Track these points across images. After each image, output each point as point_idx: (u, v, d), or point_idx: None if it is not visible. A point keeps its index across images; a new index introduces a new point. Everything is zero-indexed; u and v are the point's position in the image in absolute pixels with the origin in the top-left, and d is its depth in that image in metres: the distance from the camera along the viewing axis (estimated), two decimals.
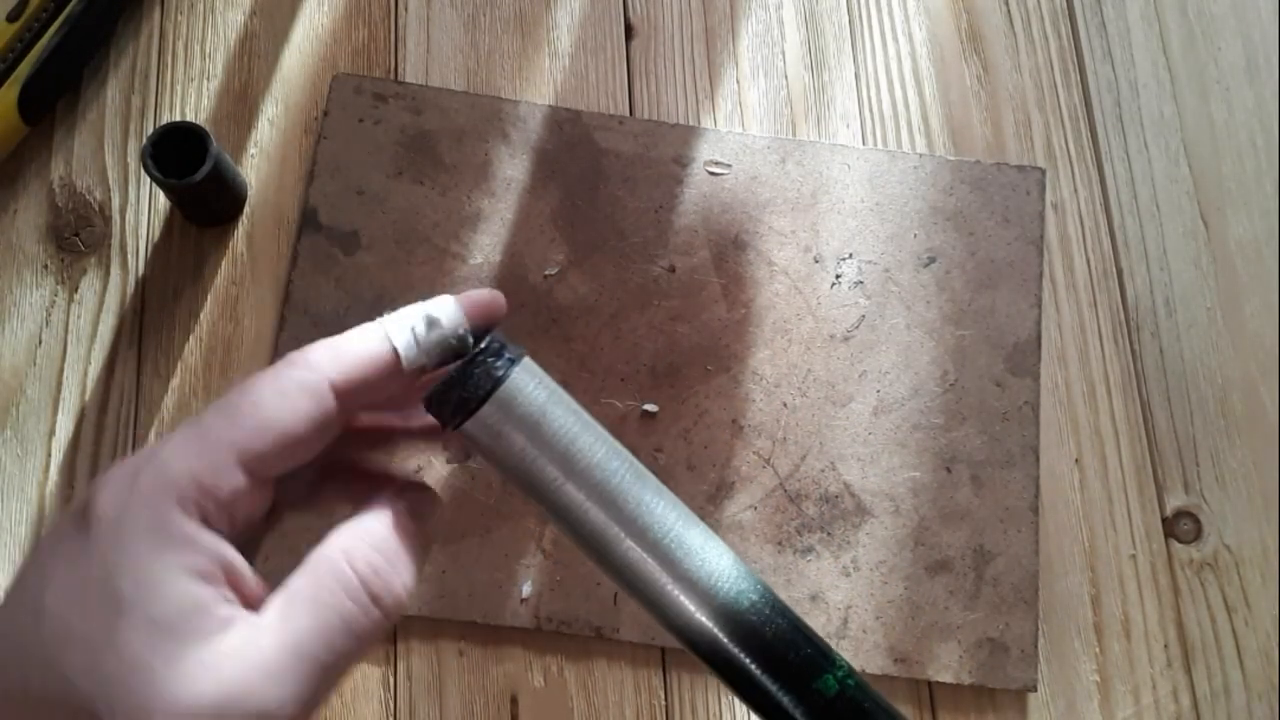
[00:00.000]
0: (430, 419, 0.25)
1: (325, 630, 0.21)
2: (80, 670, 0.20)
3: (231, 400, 0.22)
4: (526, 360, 0.25)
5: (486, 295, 0.26)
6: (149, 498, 0.21)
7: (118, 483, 0.21)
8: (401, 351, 0.24)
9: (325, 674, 0.21)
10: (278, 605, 0.22)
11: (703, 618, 0.25)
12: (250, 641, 0.21)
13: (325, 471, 0.26)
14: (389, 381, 0.24)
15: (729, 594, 0.25)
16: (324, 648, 0.21)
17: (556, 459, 0.24)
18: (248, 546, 0.24)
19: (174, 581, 0.20)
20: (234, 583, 0.22)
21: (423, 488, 0.26)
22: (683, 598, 0.25)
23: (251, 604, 0.22)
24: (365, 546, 0.23)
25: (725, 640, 0.25)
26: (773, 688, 0.25)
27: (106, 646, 0.20)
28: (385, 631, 0.23)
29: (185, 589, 0.20)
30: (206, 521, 0.21)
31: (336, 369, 0.23)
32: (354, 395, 0.23)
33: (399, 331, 0.24)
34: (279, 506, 0.26)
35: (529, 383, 0.24)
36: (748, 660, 0.25)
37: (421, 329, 0.24)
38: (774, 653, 0.25)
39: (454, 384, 0.24)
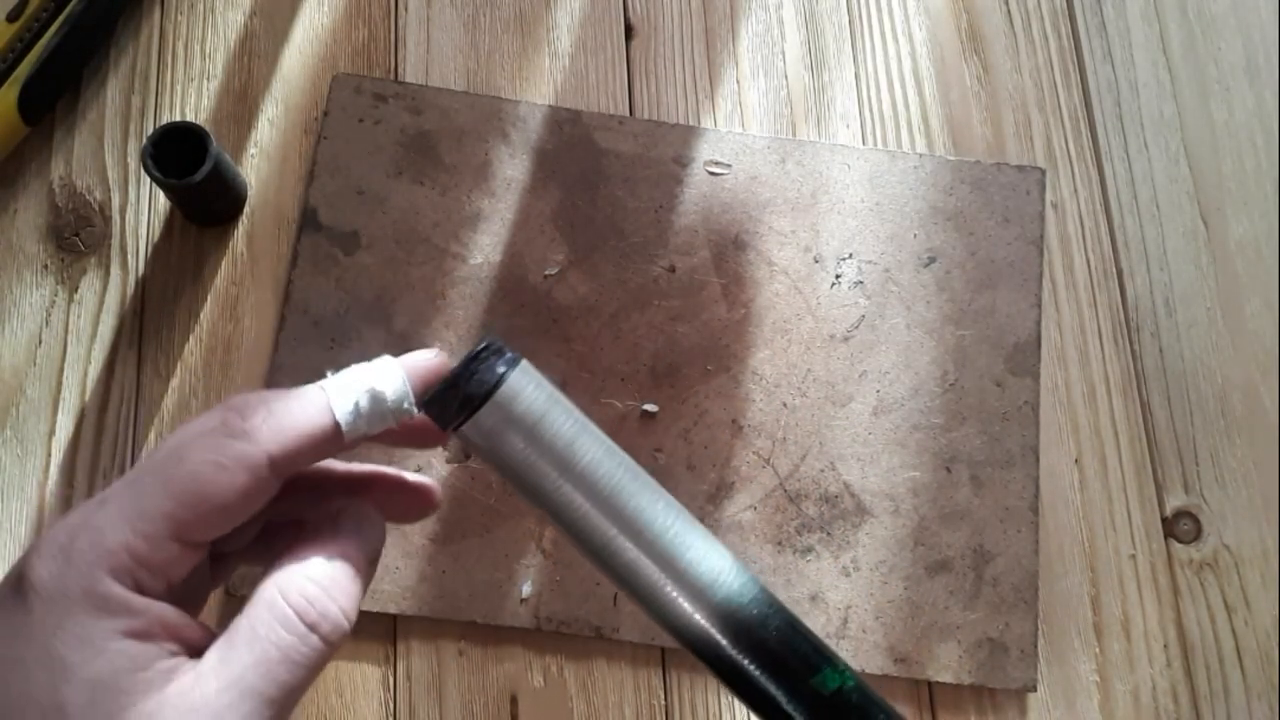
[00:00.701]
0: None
1: (264, 663, 0.22)
2: None
3: (168, 466, 0.22)
4: (524, 363, 0.25)
5: (431, 359, 0.26)
6: (83, 570, 0.21)
7: (52, 553, 0.21)
8: (344, 424, 0.24)
9: (273, 706, 0.22)
10: (218, 647, 0.22)
11: (700, 618, 0.25)
12: (193, 686, 0.21)
13: (270, 527, 0.27)
14: (327, 449, 0.24)
15: (727, 594, 0.25)
16: (266, 681, 0.22)
17: (555, 461, 0.25)
18: (193, 595, 0.25)
19: (112, 642, 0.21)
20: (176, 635, 0.22)
21: (359, 507, 0.25)
22: (680, 598, 0.25)
23: (197, 653, 0.22)
24: (299, 577, 0.23)
25: (723, 640, 0.25)
26: (770, 686, 0.25)
27: (52, 710, 0.20)
28: (330, 656, 0.24)
29: (123, 647, 0.21)
30: (141, 588, 0.22)
31: (276, 442, 0.23)
32: (290, 465, 0.23)
33: (342, 402, 0.24)
34: (229, 559, 0.26)
35: (527, 385, 0.25)
36: (745, 659, 0.25)
37: (365, 402, 0.24)
38: (771, 651, 0.25)
39: (452, 386, 0.24)
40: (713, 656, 0.25)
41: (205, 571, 0.25)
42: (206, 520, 0.22)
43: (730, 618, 0.25)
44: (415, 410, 0.25)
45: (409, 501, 0.28)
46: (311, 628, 0.23)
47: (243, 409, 0.23)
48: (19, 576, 0.21)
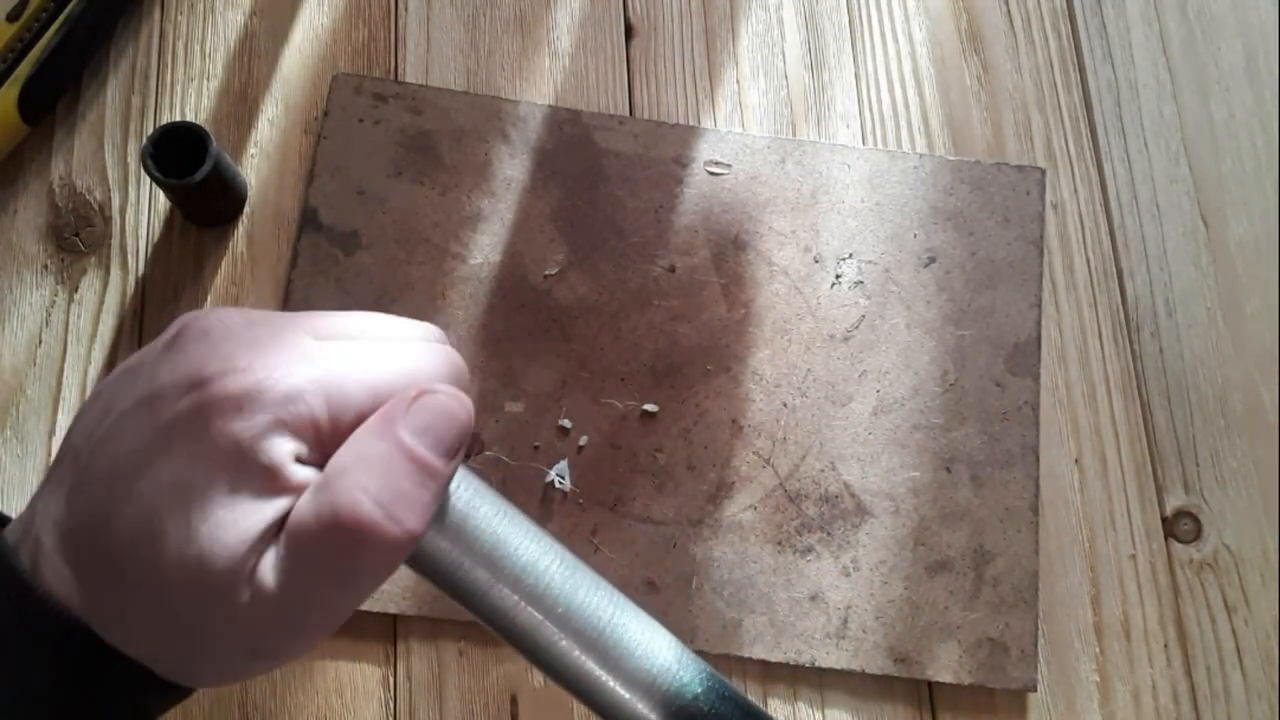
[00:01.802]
0: None
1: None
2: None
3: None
4: None
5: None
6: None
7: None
8: None
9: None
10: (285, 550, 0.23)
11: (649, 713, 0.24)
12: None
13: None
14: None
15: (672, 686, 0.24)
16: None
17: (484, 561, 0.24)
18: None
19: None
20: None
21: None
22: (625, 693, 0.24)
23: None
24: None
25: None
26: None
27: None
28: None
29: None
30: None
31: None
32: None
33: None
34: None
35: (451, 484, 0.24)
36: None
37: None
38: None
39: None
40: None
41: None
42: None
43: (680, 711, 0.24)
44: None
45: None
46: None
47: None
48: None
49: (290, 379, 0.23)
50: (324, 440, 0.23)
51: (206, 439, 0.22)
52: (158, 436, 0.22)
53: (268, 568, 0.22)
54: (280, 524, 0.23)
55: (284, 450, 0.22)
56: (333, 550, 0.22)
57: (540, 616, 0.24)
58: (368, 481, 0.22)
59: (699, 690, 0.24)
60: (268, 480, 0.22)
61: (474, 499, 0.24)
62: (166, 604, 0.22)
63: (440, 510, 0.24)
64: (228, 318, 0.24)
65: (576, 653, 0.24)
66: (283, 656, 0.24)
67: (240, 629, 0.23)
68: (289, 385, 0.23)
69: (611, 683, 0.24)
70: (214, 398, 0.22)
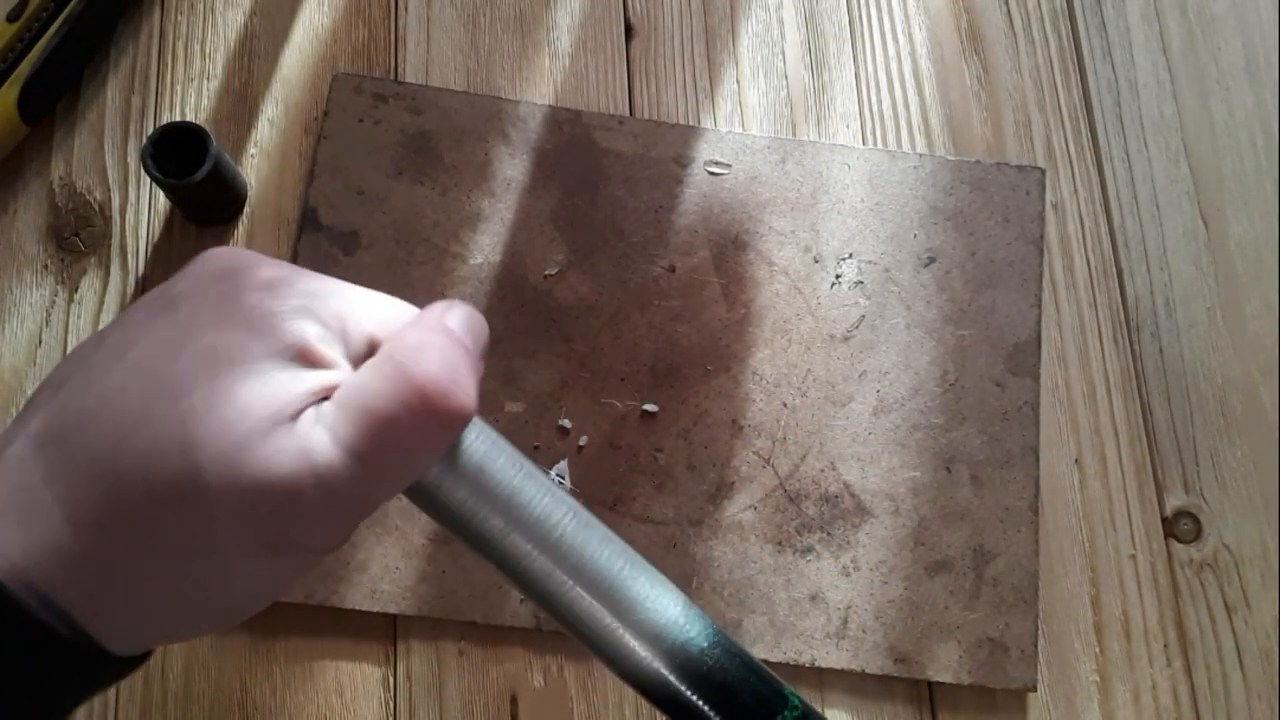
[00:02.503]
0: None
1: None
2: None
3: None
4: None
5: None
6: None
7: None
8: None
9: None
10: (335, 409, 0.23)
11: (655, 663, 0.24)
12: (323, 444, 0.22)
13: None
14: None
15: (680, 638, 0.25)
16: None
17: (500, 510, 0.24)
18: None
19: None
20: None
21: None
22: (634, 643, 0.25)
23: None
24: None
25: (680, 685, 0.24)
26: None
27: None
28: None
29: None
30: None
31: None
32: None
33: None
34: None
35: (469, 434, 0.24)
36: (702, 703, 0.25)
37: None
38: (728, 694, 0.25)
39: None
40: (670, 702, 0.25)
41: None
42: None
43: (686, 663, 0.24)
44: None
45: None
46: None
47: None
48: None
49: (317, 280, 0.23)
50: (345, 344, 0.23)
51: (238, 312, 0.22)
52: (183, 325, 0.22)
53: (322, 442, 0.21)
54: (320, 397, 0.22)
55: (315, 331, 0.22)
56: (405, 420, 0.22)
57: (552, 565, 0.24)
58: (433, 358, 0.22)
59: (705, 644, 0.25)
60: (303, 352, 0.22)
61: (491, 450, 0.24)
62: (199, 504, 0.20)
63: (458, 459, 0.24)
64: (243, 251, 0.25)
65: (587, 601, 0.24)
66: (316, 555, 0.23)
67: (297, 515, 0.21)
68: (316, 284, 0.23)
69: (621, 632, 0.24)
70: (246, 281, 0.22)
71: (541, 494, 0.25)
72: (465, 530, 0.25)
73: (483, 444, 0.24)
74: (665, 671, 0.25)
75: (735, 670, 0.25)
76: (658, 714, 0.44)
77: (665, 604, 0.25)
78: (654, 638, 0.25)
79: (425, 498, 0.24)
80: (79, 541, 0.20)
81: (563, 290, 0.48)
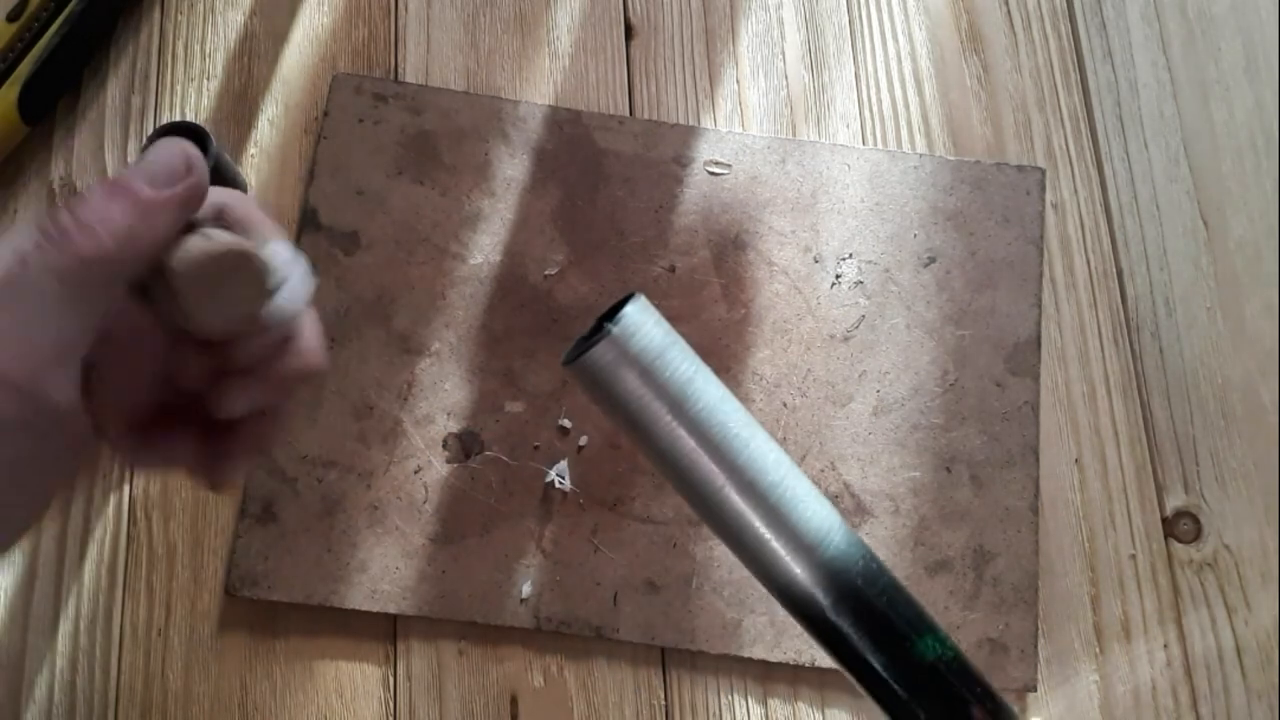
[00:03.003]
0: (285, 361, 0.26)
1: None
2: None
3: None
4: (641, 298, 0.24)
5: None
6: None
7: None
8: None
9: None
10: None
11: (805, 575, 0.24)
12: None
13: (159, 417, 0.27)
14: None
15: (833, 553, 0.24)
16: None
17: (669, 401, 0.24)
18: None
19: None
20: None
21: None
22: (786, 554, 0.24)
23: None
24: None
25: (825, 600, 0.24)
26: (868, 650, 0.24)
27: None
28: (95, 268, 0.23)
29: None
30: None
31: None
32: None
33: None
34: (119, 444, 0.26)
35: (645, 321, 0.24)
36: (846, 621, 0.24)
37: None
38: (874, 615, 0.24)
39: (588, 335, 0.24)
40: (814, 615, 0.25)
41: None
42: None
43: (835, 578, 0.24)
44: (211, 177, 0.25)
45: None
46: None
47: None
48: None
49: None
50: None
51: None
52: None
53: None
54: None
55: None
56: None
57: (715, 464, 0.24)
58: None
59: (858, 559, 0.24)
60: None
61: (665, 339, 0.24)
62: None
63: (632, 343, 0.24)
64: None
65: (744, 505, 0.24)
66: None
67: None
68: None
69: (774, 540, 0.24)
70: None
71: (713, 391, 0.24)
72: (632, 420, 0.24)
73: (658, 333, 0.24)
74: (813, 584, 0.24)
75: (885, 590, 0.24)
76: (659, 714, 0.44)
77: (821, 517, 0.24)
78: (806, 549, 0.24)
79: (598, 385, 0.24)
80: None
81: (563, 290, 0.48)
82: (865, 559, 0.25)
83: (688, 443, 0.24)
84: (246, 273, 0.24)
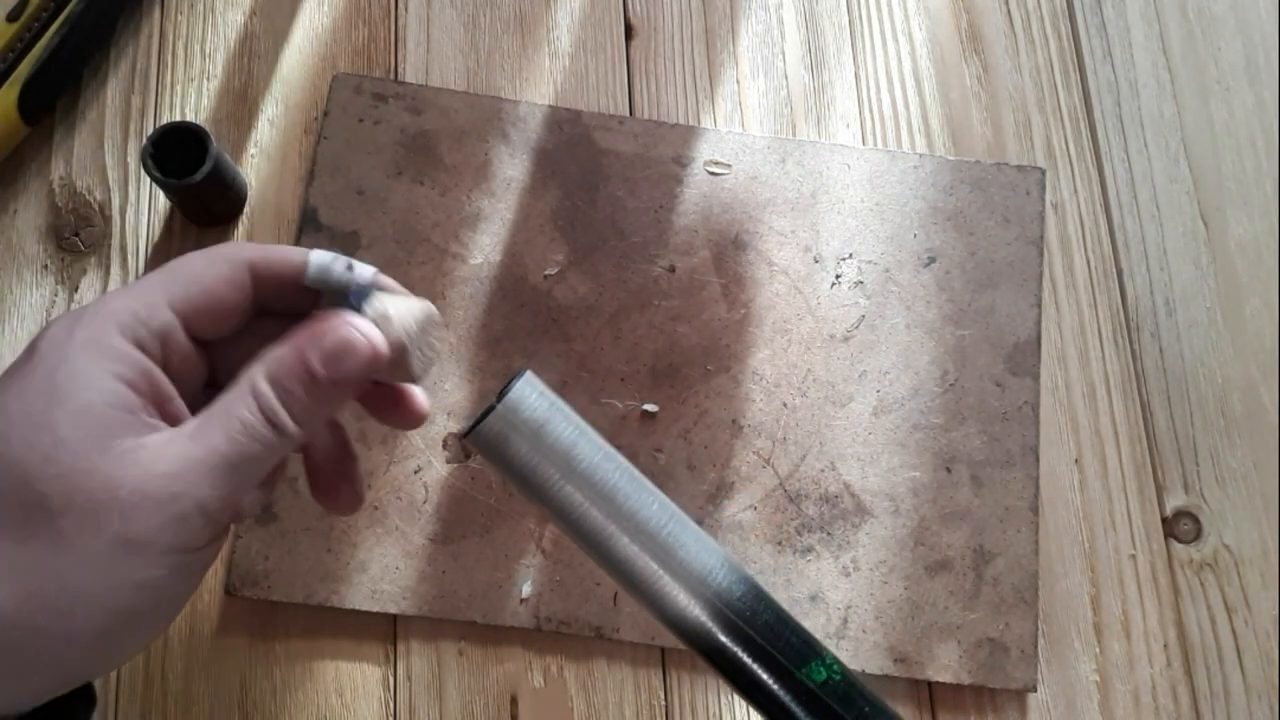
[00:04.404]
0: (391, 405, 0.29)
1: (232, 433, 0.25)
2: (20, 446, 0.23)
3: (171, 264, 0.27)
4: (529, 375, 0.27)
5: (395, 284, 0.29)
6: (88, 323, 0.24)
7: (62, 320, 0.25)
8: (310, 268, 0.27)
9: (236, 471, 0.25)
10: (197, 418, 0.25)
11: (695, 609, 0.26)
12: (169, 440, 0.24)
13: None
14: (291, 287, 0.27)
15: (720, 587, 0.27)
16: (231, 445, 0.25)
17: (557, 463, 0.26)
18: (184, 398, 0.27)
19: (105, 381, 0.24)
20: (160, 399, 0.25)
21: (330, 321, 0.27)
22: (677, 591, 0.27)
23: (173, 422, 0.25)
24: (264, 372, 0.26)
25: (717, 630, 0.26)
26: (763, 675, 0.26)
27: (43, 427, 0.23)
28: (288, 448, 0.26)
29: (113, 387, 0.24)
30: (140, 346, 0.25)
31: (259, 253, 0.27)
32: (265, 281, 0.27)
33: (318, 256, 0.27)
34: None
35: (530, 395, 0.27)
36: (739, 649, 0.26)
37: (339, 265, 0.27)
38: (761, 643, 0.26)
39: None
40: (706, 647, 0.27)
41: (196, 378, 0.28)
42: (196, 298, 0.26)
43: (722, 610, 0.26)
44: (371, 299, 0.27)
45: (396, 405, 0.30)
46: (271, 420, 0.25)
47: (237, 242, 0.28)
48: (32, 342, 0.25)
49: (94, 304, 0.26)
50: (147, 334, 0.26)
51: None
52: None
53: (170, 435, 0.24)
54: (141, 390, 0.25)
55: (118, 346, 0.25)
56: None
57: (603, 515, 0.27)
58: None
59: (744, 592, 0.27)
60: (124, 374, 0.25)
61: (550, 409, 0.27)
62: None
63: (521, 419, 0.27)
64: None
65: (636, 549, 0.27)
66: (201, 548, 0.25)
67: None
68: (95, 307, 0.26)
69: (664, 579, 0.27)
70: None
71: (595, 452, 0.27)
72: (525, 482, 0.27)
73: (543, 404, 0.27)
74: (703, 617, 0.27)
75: (772, 620, 0.27)
76: (659, 714, 0.44)
77: (707, 556, 0.27)
78: (695, 585, 0.27)
79: (492, 453, 0.27)
80: None
81: (563, 290, 0.48)
82: (750, 592, 0.27)
83: (577, 498, 0.27)
84: (435, 324, 0.29)
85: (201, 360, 0.27)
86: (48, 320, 0.46)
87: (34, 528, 0.22)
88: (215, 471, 0.24)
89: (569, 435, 0.27)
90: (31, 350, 0.24)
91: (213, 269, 0.27)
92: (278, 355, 0.26)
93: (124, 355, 0.24)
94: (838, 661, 0.27)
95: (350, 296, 0.27)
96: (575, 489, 0.26)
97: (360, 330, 0.26)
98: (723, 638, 0.26)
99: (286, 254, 0.27)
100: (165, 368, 0.26)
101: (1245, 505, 0.48)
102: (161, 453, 0.23)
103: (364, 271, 0.27)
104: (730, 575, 0.27)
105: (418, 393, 0.30)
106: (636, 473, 0.27)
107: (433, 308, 0.29)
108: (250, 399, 0.25)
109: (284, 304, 0.28)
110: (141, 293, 0.25)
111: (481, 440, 0.27)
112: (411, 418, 0.30)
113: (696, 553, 0.27)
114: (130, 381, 0.24)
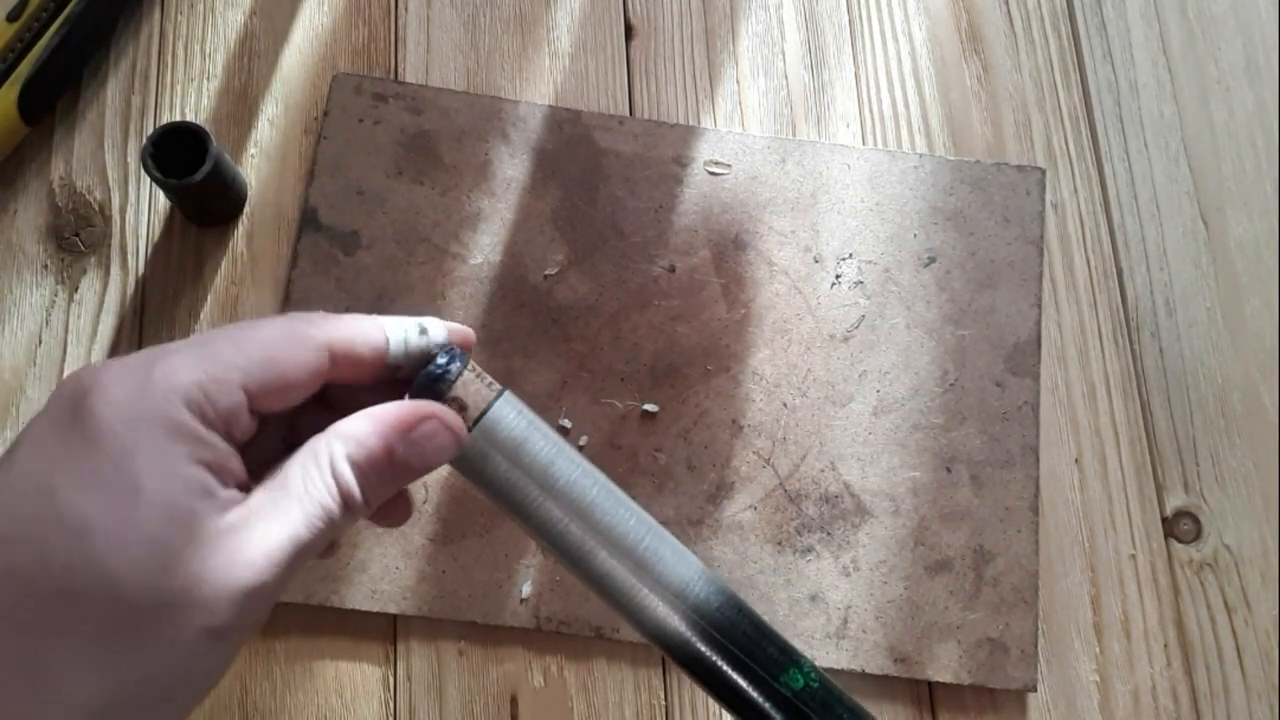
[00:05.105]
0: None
1: (310, 515, 0.24)
2: (105, 544, 0.21)
3: (240, 332, 0.25)
4: (508, 394, 0.28)
5: (464, 330, 0.29)
6: (160, 397, 0.22)
7: (121, 381, 0.23)
8: (391, 346, 0.27)
9: (308, 553, 0.24)
10: (268, 491, 0.24)
11: (675, 621, 0.27)
12: (256, 526, 0.23)
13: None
14: (370, 366, 0.26)
15: (698, 599, 0.27)
16: (309, 529, 0.24)
17: (536, 479, 0.27)
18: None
19: (186, 468, 0.22)
20: (227, 472, 0.24)
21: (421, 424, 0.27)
22: (656, 603, 0.27)
23: (241, 489, 0.24)
24: (341, 448, 0.25)
25: (696, 640, 0.27)
26: (741, 683, 0.27)
27: (126, 528, 0.21)
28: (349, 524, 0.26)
29: (195, 474, 0.23)
30: (207, 422, 0.23)
31: (337, 335, 0.26)
32: (344, 357, 0.26)
33: (395, 330, 0.27)
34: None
35: (508, 414, 0.27)
36: (717, 658, 0.27)
37: (414, 335, 0.27)
38: (740, 652, 0.27)
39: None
40: (685, 657, 0.27)
41: (249, 433, 0.27)
42: (272, 381, 0.24)
43: (699, 622, 0.27)
44: (451, 362, 0.27)
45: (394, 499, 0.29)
46: (347, 502, 0.25)
47: (307, 314, 0.26)
48: (76, 403, 0.22)
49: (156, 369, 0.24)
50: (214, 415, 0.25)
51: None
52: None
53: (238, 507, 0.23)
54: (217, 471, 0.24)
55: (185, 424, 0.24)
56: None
57: (582, 529, 0.27)
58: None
59: (721, 603, 0.27)
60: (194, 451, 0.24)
61: (528, 427, 0.27)
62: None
63: (499, 436, 0.27)
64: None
65: (612, 562, 0.27)
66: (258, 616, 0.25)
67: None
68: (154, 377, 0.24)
69: (644, 591, 0.27)
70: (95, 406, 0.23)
71: (573, 468, 0.27)
72: (506, 498, 0.27)
73: (522, 423, 0.27)
74: (682, 627, 0.27)
75: (748, 630, 0.27)
76: (659, 714, 0.44)
77: (685, 568, 0.27)
78: (673, 596, 0.27)
79: (473, 471, 0.27)
80: None
81: (563, 290, 0.48)
82: (727, 602, 0.27)
83: (556, 514, 0.27)
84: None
85: (254, 417, 0.26)
86: (47, 320, 0.46)
87: (118, 626, 0.21)
88: (293, 556, 0.23)
89: (547, 453, 0.27)
90: (85, 413, 0.22)
91: (292, 354, 0.25)
92: (360, 440, 0.25)
93: (197, 437, 0.23)
94: (816, 669, 0.27)
95: (432, 366, 0.27)
96: (554, 505, 0.27)
97: (447, 424, 0.26)
98: (701, 647, 0.27)
99: (366, 335, 0.26)
100: (227, 437, 0.24)
101: (1245, 505, 0.48)
102: (243, 541, 0.23)
103: (438, 332, 0.27)
104: (708, 587, 0.27)
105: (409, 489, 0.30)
106: (615, 488, 0.28)
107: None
108: (331, 482, 0.24)
109: (354, 377, 0.27)
110: (209, 364, 0.23)
111: (464, 458, 0.27)
112: (402, 515, 0.30)
113: (674, 565, 0.27)
114: (206, 463, 0.23)
